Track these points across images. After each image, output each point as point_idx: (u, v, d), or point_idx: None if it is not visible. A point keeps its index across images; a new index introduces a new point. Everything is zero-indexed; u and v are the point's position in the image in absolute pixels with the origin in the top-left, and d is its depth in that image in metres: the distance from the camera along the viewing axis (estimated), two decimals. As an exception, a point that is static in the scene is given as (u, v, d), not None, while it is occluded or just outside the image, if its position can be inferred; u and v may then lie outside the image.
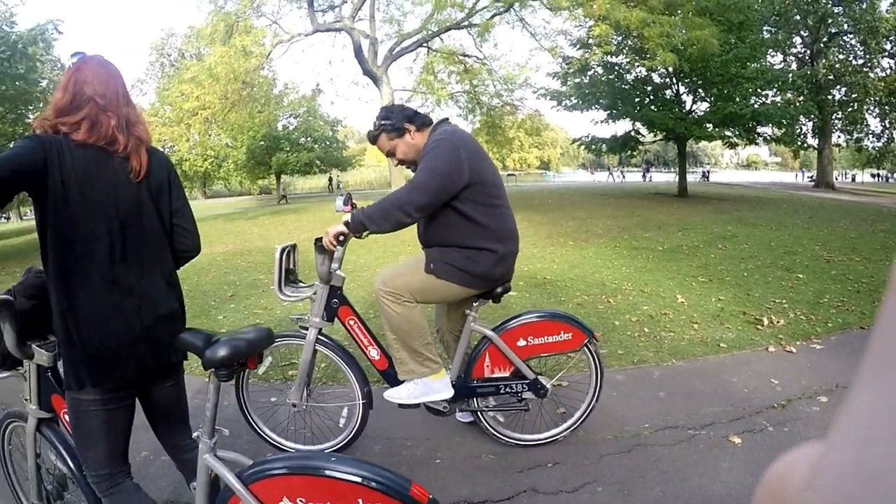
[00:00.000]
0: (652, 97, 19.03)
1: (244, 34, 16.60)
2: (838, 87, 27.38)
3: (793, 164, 70.00)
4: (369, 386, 2.78)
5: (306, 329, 2.71)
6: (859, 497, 0.21)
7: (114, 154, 1.66)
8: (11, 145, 1.58)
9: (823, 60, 26.87)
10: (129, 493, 1.75)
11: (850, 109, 27.50)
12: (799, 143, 25.99)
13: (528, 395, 2.79)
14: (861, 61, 26.73)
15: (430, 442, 2.98)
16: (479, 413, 2.83)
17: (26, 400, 1.90)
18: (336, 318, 2.72)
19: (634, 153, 21.82)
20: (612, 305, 5.49)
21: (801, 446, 0.35)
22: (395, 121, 2.64)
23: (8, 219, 38.38)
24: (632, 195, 20.20)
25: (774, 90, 19.40)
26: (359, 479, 1.31)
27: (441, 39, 19.18)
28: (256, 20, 17.98)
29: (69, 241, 1.57)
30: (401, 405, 2.66)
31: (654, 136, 20.69)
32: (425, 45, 18.82)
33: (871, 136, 28.68)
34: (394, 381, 2.70)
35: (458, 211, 2.49)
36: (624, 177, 42.47)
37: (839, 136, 29.59)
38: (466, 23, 17.56)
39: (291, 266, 2.83)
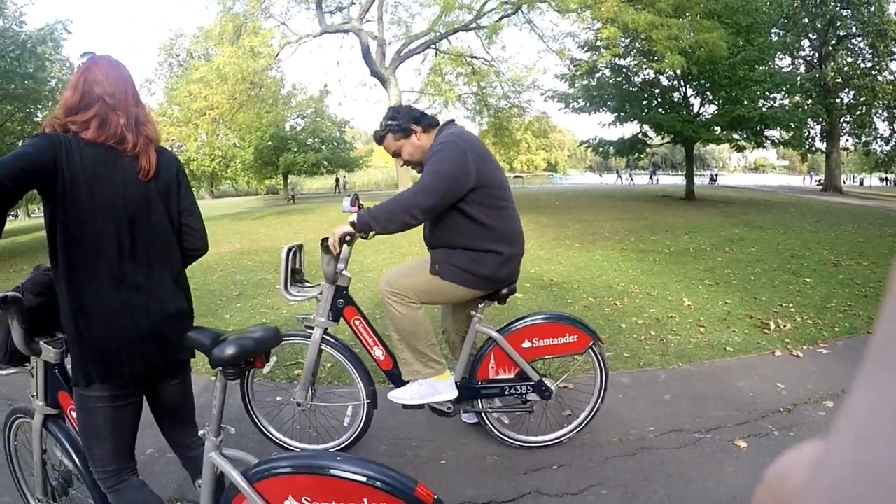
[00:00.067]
0: (660, 100, 19.00)
1: (252, 35, 16.69)
2: (846, 90, 27.25)
3: (800, 167, 69.82)
4: (374, 386, 2.79)
5: (312, 329, 2.72)
6: (859, 497, 0.21)
7: (123, 153, 1.67)
8: (20, 144, 1.59)
9: (832, 63, 26.75)
10: (135, 489, 1.76)
11: (858, 113, 27.38)
12: (807, 146, 25.95)
13: (532, 396, 2.79)
14: (870, 64, 26.59)
15: (435, 442, 2.98)
16: (483, 414, 2.82)
17: (33, 396, 1.91)
18: (342, 318, 2.73)
19: (642, 156, 21.76)
20: (618, 308, 5.48)
21: (801, 446, 0.35)
22: (402, 121, 2.64)
23: (16, 216, 38.61)
24: (639, 198, 20.15)
25: (782, 93, 19.33)
26: (364, 479, 1.31)
27: (449, 41, 19.22)
28: (265, 21, 18.08)
29: (78, 239, 1.58)
30: (405, 406, 2.66)
31: (662, 138, 20.63)
32: (433, 46, 18.86)
33: (879, 139, 28.54)
34: (398, 381, 2.70)
35: (465, 213, 2.49)
36: (632, 179, 42.38)
37: (847, 140, 29.51)
38: (474, 25, 17.59)
39: (298, 266, 2.83)
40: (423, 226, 2.64)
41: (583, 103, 18.82)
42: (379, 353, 2.75)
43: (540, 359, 2.83)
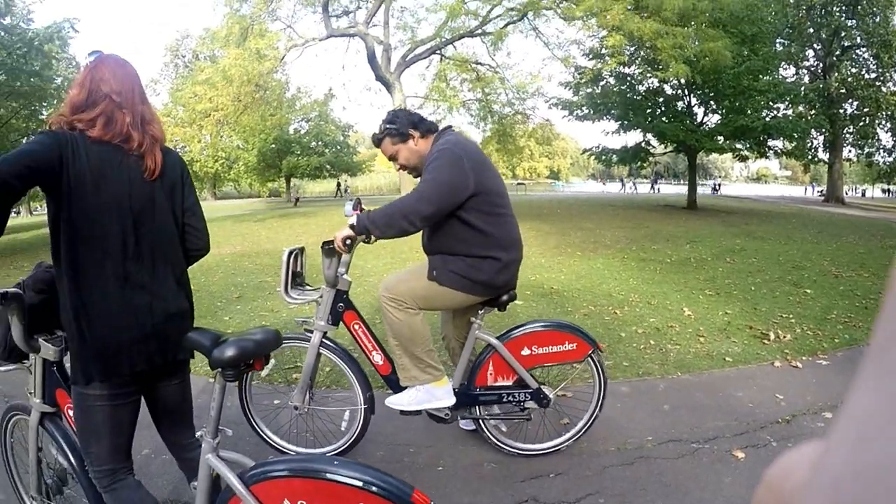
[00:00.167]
0: (663, 108, 19.00)
1: (259, 37, 16.76)
2: (850, 100, 27.30)
3: (803, 177, 69.82)
4: (372, 391, 2.78)
5: (311, 332, 2.72)
6: (859, 496, 0.21)
7: (129, 152, 1.67)
8: (24, 141, 1.60)
9: (836, 74, 26.79)
10: (131, 489, 1.76)
11: (861, 124, 27.41)
12: (810, 156, 25.90)
13: (530, 404, 2.78)
14: (874, 75, 26.63)
15: (433, 449, 2.97)
16: (480, 421, 2.82)
17: (30, 393, 1.91)
18: (341, 322, 2.73)
19: (645, 164, 21.77)
20: (618, 317, 5.47)
21: (801, 446, 0.35)
22: (400, 125, 2.63)
23: (18, 213, 38.65)
24: (641, 207, 20.14)
25: (786, 103, 19.32)
26: (360, 484, 1.30)
27: (454, 47, 19.30)
28: (271, 24, 18.18)
29: (82, 237, 1.58)
30: (402, 412, 2.65)
31: (665, 147, 20.66)
32: (438, 52, 18.93)
33: (882, 150, 28.60)
34: (397, 386, 2.70)
35: (463, 220, 2.49)
36: (636, 188, 42.38)
37: (850, 151, 29.51)
38: (480, 31, 17.66)
39: (299, 269, 2.84)
40: (421, 233, 2.64)
41: (587, 111, 18.86)
42: (378, 357, 2.75)
43: (539, 366, 2.82)
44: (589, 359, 2.80)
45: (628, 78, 19.17)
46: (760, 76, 16.36)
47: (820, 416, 3.27)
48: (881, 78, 26.40)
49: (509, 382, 2.77)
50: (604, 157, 20.57)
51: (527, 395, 2.76)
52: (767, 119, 17.35)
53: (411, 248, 9.50)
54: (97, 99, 1.65)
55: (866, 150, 28.33)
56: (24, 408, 2.02)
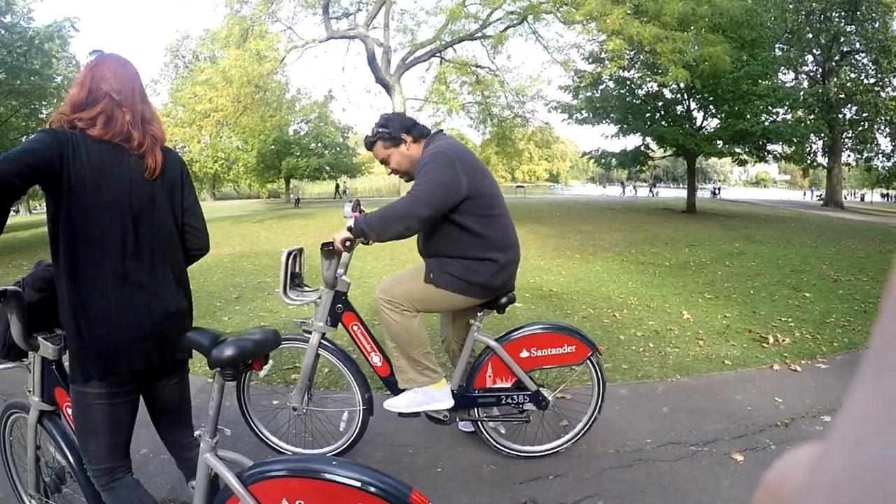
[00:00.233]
0: (663, 112, 19.05)
1: (259, 38, 16.78)
2: (849, 105, 27.34)
3: (802, 182, 69.80)
4: (370, 392, 2.78)
5: (309, 333, 2.72)
6: (857, 499, 0.21)
7: (129, 151, 1.67)
8: (23, 140, 1.60)
9: (835, 79, 26.85)
10: (129, 488, 1.76)
11: (860, 128, 27.45)
12: (809, 161, 25.98)
13: (529, 406, 2.78)
14: (873, 80, 26.68)
15: (432, 450, 2.97)
16: (479, 423, 2.81)
17: (29, 392, 1.91)
18: (340, 324, 2.73)
19: (644, 168, 21.80)
20: (617, 320, 5.47)
21: (801, 446, 0.35)
22: (393, 129, 2.63)
23: (17, 212, 38.59)
24: (640, 210, 20.17)
25: (785, 108, 19.35)
26: (358, 484, 1.30)
27: (454, 50, 19.33)
28: (271, 25, 18.21)
29: (82, 236, 1.58)
30: (400, 414, 2.65)
31: (664, 151, 20.67)
32: (438, 55, 18.96)
33: (881, 155, 28.65)
34: (395, 388, 2.69)
35: (457, 223, 2.49)
36: (636, 191, 42.45)
37: (849, 155, 29.58)
38: (480, 34, 17.70)
39: (297, 270, 2.83)
40: (417, 236, 2.63)
41: (586, 114, 18.86)
42: (376, 359, 2.75)
43: (538, 369, 2.82)
44: (588, 361, 2.79)
45: (628, 82, 19.21)
46: (759, 81, 16.40)
47: (819, 419, 3.27)
48: (880, 83, 26.45)
49: (508, 384, 2.77)
50: (603, 161, 20.61)
51: (526, 397, 2.76)
52: (766, 123, 17.38)
53: (410, 250, 9.49)
54: (97, 97, 1.65)
55: (865, 154, 28.40)
56: (23, 406, 2.02)
